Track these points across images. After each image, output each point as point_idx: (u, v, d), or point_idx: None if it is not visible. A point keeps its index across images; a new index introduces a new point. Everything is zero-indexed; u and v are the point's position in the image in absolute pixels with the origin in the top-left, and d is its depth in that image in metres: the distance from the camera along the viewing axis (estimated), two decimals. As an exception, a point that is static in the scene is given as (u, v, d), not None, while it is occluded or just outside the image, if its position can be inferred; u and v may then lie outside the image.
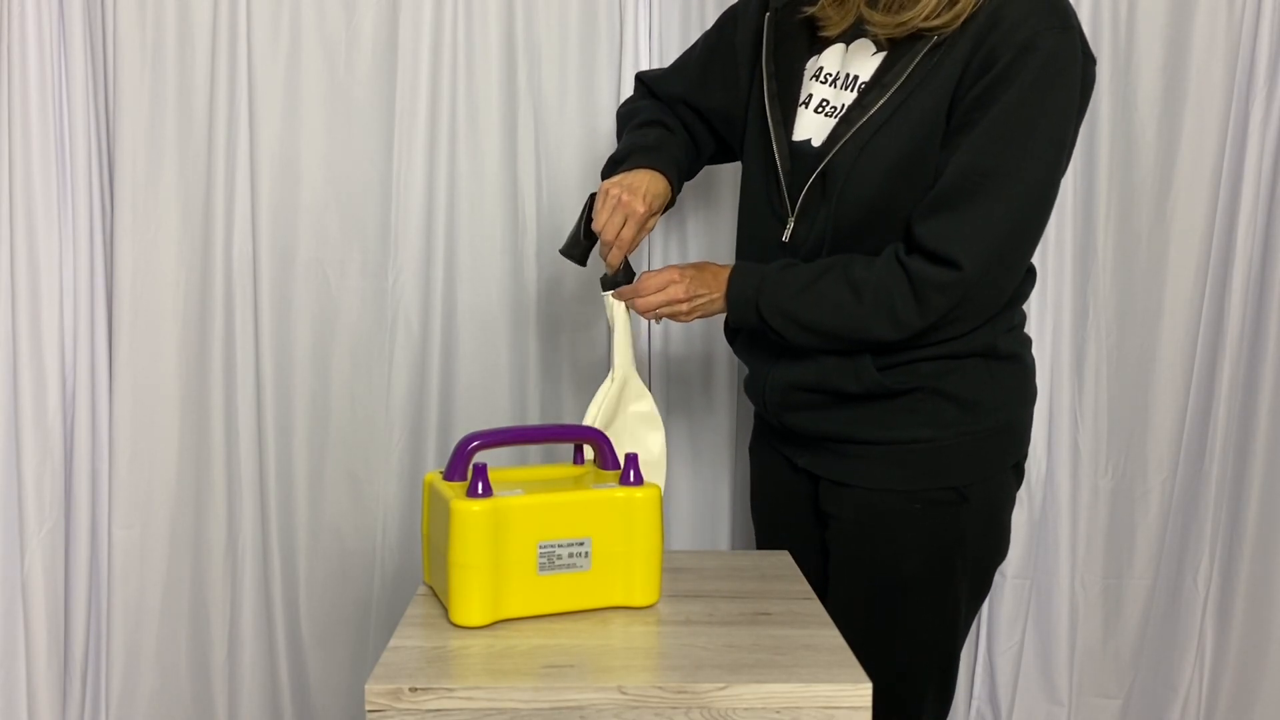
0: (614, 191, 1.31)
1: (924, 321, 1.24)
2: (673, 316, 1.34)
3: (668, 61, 1.84)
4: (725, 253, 1.70)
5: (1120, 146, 1.86)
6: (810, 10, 1.33)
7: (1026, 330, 1.85)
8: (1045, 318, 1.88)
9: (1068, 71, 1.21)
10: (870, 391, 1.29)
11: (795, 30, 1.37)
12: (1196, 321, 1.90)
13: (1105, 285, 1.89)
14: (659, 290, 1.32)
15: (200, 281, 1.84)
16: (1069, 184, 1.84)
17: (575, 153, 1.86)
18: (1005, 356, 1.33)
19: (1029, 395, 1.39)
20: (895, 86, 1.24)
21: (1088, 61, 1.24)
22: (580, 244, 1.37)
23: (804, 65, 1.36)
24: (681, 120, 1.49)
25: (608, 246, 1.32)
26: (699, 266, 1.35)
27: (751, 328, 1.33)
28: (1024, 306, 1.87)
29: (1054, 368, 1.89)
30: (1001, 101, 1.18)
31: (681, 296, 1.31)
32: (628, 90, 1.82)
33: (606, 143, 1.86)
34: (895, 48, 1.27)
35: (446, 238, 1.85)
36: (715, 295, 1.32)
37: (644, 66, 1.83)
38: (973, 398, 1.30)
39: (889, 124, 1.24)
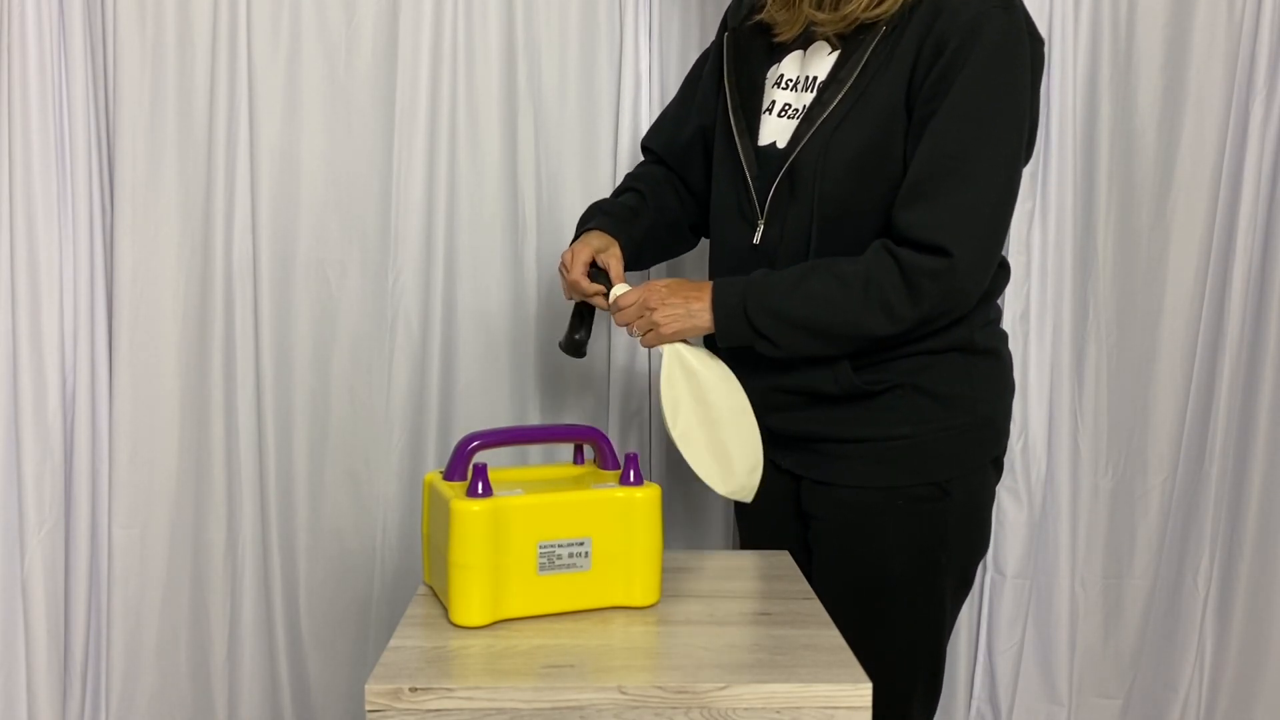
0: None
1: (917, 311, 1.23)
2: (647, 332, 1.33)
3: (667, 61, 1.86)
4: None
5: (1120, 146, 1.86)
6: (759, 16, 1.37)
7: (1026, 329, 1.85)
8: (1045, 318, 1.88)
9: (1016, 51, 1.23)
10: (849, 393, 1.30)
11: (754, 43, 1.40)
12: (1196, 321, 1.90)
13: (1105, 285, 1.89)
14: (628, 305, 1.33)
15: (200, 281, 1.84)
16: (1069, 184, 1.84)
17: (575, 153, 1.87)
18: (982, 351, 1.34)
19: (1007, 389, 1.40)
20: (851, 81, 1.26)
21: (1034, 42, 1.26)
22: (574, 340, 1.42)
23: (765, 74, 1.39)
24: (675, 173, 1.53)
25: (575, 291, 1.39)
26: (672, 283, 1.34)
27: (740, 343, 1.31)
28: (1020, 306, 1.87)
29: (1054, 368, 1.89)
30: (958, 85, 1.20)
31: (653, 304, 1.31)
32: (628, 90, 1.83)
33: (606, 143, 1.86)
34: (847, 44, 1.29)
35: (446, 238, 1.85)
36: (695, 308, 1.31)
37: (644, 66, 1.84)
38: (951, 393, 1.31)
39: (849, 118, 1.26)
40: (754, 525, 1.53)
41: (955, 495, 1.32)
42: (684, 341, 1.34)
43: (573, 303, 1.43)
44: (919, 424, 1.31)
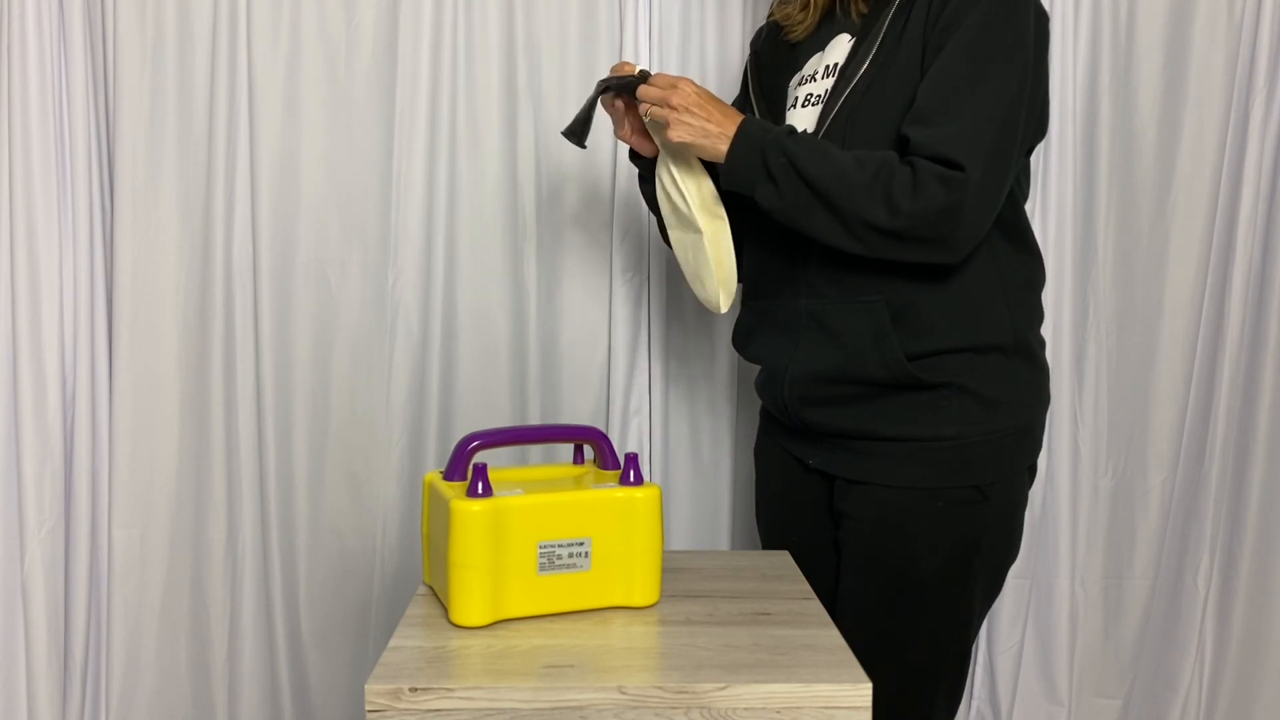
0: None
1: (914, 205, 1.21)
2: (660, 119, 1.30)
3: (667, 61, 1.86)
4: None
5: (1120, 146, 1.87)
6: (773, 17, 1.42)
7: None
8: (1045, 318, 1.88)
9: (1021, 7, 1.25)
10: (897, 380, 1.29)
11: (776, 56, 1.45)
12: (1196, 321, 1.90)
13: (1105, 285, 1.89)
14: (668, 86, 1.29)
15: (200, 281, 1.84)
16: (1069, 183, 1.85)
17: (575, 152, 1.86)
18: (1027, 354, 1.34)
19: (1045, 397, 1.39)
20: (872, 54, 1.30)
21: (1039, 17, 1.28)
22: (582, 127, 1.36)
23: (788, 82, 1.44)
24: None
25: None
26: (705, 94, 1.30)
27: (742, 186, 1.29)
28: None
29: (1054, 368, 1.89)
30: (960, 30, 1.23)
31: (676, 104, 1.28)
32: (628, 90, 1.83)
33: (607, 143, 1.86)
34: (864, 25, 1.34)
35: (446, 238, 1.85)
36: (712, 130, 1.28)
37: (644, 66, 1.83)
38: (997, 396, 1.30)
39: (873, 87, 1.29)
40: (780, 527, 1.52)
41: (993, 499, 1.31)
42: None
43: (595, 89, 1.37)
44: (965, 425, 1.30)
